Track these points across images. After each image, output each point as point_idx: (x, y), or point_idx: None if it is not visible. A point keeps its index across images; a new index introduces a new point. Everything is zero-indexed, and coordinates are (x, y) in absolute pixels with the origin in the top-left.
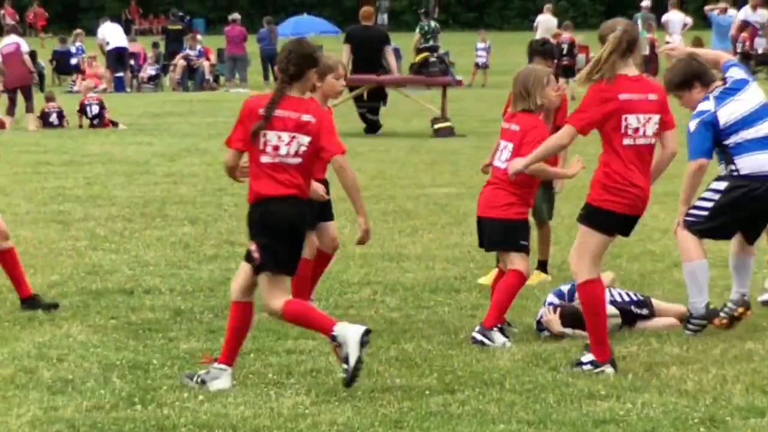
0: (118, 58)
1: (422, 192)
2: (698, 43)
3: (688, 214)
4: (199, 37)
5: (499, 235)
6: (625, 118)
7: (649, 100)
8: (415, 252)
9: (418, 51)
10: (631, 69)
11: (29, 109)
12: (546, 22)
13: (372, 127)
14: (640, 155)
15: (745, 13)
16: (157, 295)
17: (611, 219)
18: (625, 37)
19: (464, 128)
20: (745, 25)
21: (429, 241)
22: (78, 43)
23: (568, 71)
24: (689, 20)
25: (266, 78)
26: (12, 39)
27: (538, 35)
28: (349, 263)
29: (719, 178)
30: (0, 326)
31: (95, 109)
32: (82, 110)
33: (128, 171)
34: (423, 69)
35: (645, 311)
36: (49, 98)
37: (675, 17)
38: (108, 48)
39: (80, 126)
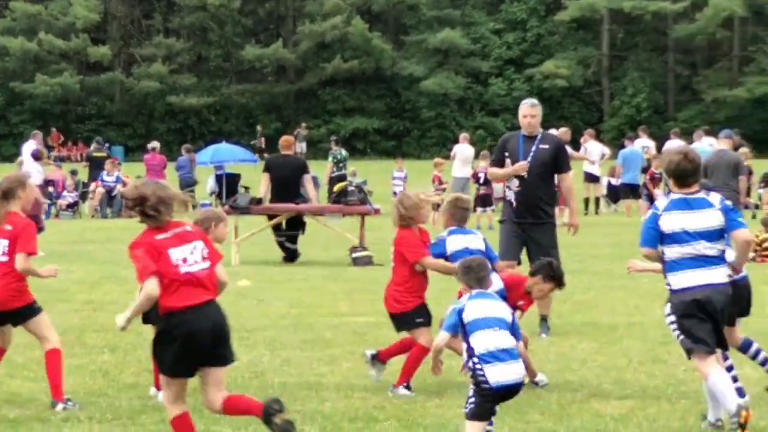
0: None
1: (341, 321)
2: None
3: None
4: (118, 163)
5: None
6: None
7: None
8: (333, 381)
9: (331, 179)
10: None
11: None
12: (463, 152)
13: (290, 256)
14: None
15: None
16: (77, 424)
17: None
18: None
19: (383, 257)
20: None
21: (348, 370)
22: None
23: (486, 200)
24: (607, 150)
25: None
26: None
27: (456, 164)
28: (267, 391)
29: None
30: None
31: None
32: None
33: (46, 298)
34: (341, 198)
35: None
36: None
37: (593, 147)
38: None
39: None
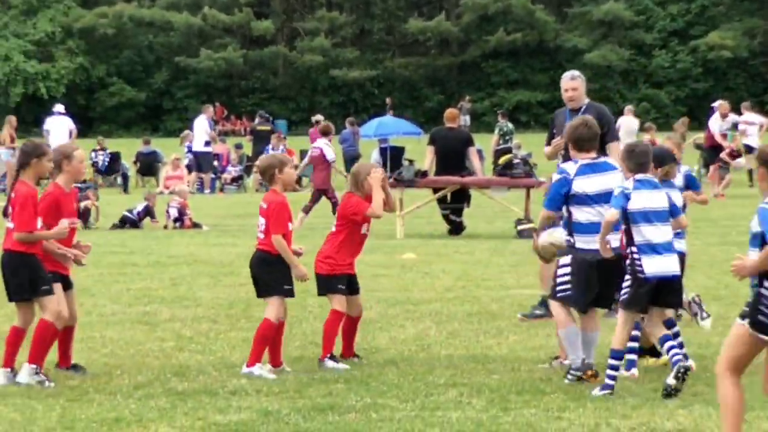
0: (199, 161)
1: (507, 293)
2: None
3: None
4: (283, 137)
5: None
6: None
7: None
8: (500, 353)
9: (496, 152)
10: None
11: None
12: (627, 124)
13: (456, 229)
14: None
15: (719, 124)
16: (244, 397)
17: None
18: None
19: None
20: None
21: (514, 343)
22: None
23: None
24: (764, 120)
25: None
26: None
27: (621, 136)
28: (434, 364)
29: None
30: (88, 428)
31: (174, 212)
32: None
33: (213, 272)
34: (507, 170)
35: None
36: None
37: (749, 119)
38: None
39: (165, 227)
